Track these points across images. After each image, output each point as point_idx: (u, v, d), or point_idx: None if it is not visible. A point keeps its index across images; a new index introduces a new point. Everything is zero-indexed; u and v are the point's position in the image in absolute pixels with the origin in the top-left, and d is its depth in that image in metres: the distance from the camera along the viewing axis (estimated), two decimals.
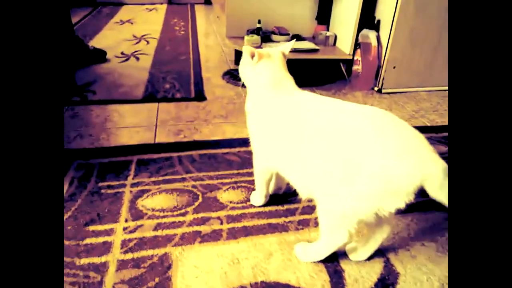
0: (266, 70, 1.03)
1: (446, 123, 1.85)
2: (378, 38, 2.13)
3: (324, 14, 2.45)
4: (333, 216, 0.89)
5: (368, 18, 2.16)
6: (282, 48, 1.08)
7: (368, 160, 0.79)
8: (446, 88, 2.29)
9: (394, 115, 0.86)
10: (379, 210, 0.83)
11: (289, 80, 1.04)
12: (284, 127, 0.96)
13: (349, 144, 0.82)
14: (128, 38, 2.93)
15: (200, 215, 1.14)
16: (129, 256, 0.99)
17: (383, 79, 2.16)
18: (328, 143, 0.86)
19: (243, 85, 1.12)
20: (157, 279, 0.92)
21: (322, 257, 0.98)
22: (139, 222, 1.10)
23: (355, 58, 2.23)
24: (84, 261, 0.97)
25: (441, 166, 0.77)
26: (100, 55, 2.41)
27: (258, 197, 1.18)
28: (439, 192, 0.77)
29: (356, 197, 0.83)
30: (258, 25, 2.33)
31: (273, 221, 1.13)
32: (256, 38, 2.26)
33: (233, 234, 1.07)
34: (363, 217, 0.85)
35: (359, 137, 0.82)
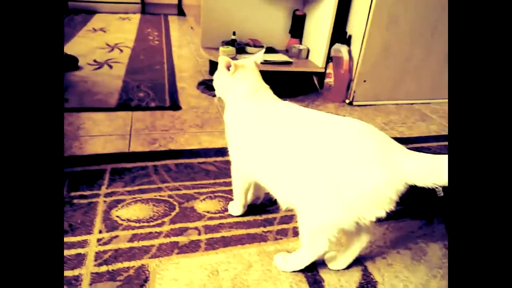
0: (243, 80, 1.03)
1: (415, 135, 1.93)
2: (349, 52, 2.20)
3: (297, 28, 2.51)
4: (314, 225, 0.90)
5: (340, 33, 2.23)
6: (254, 57, 1.10)
7: (348, 169, 0.81)
8: (414, 101, 2.39)
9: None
10: (360, 219, 0.85)
11: (267, 89, 1.05)
12: (264, 137, 0.96)
13: (329, 154, 0.84)
14: (101, 46, 2.86)
15: (177, 225, 1.12)
16: (103, 268, 0.95)
17: (354, 92, 2.23)
18: (308, 153, 0.87)
19: (215, 95, 1.13)
20: None
21: (302, 267, 0.98)
22: (114, 233, 1.06)
23: (327, 71, 2.29)
24: None
25: (424, 157, 0.80)
26: (72, 62, 2.35)
27: (236, 207, 1.17)
28: (429, 178, 0.78)
29: (337, 206, 0.84)
30: (233, 37, 2.35)
31: (252, 231, 1.13)
32: (231, 49, 2.27)
33: (212, 245, 1.06)
34: (344, 226, 0.87)
35: (339, 146, 0.84)
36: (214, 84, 1.11)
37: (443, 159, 0.78)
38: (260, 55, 1.11)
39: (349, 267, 1.02)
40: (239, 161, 1.08)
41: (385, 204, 0.82)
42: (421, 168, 0.79)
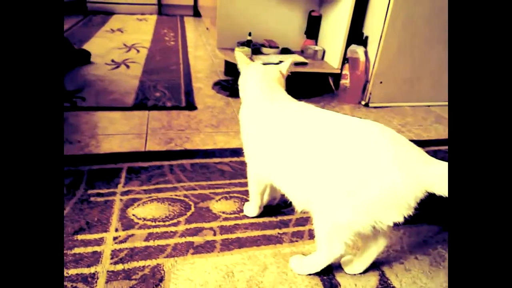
0: (255, 75, 1.07)
1: (432, 138, 1.89)
2: (366, 53, 2.17)
3: (313, 29, 2.49)
4: (330, 228, 0.88)
5: (356, 34, 2.21)
6: (280, 66, 1.11)
7: (367, 172, 0.80)
8: (430, 103, 2.35)
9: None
10: (377, 222, 0.83)
11: (281, 89, 1.06)
12: (279, 138, 0.96)
13: (348, 156, 0.82)
14: (118, 47, 2.91)
15: (193, 225, 1.12)
16: (119, 267, 0.95)
17: (370, 93, 2.20)
18: (325, 154, 0.86)
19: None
20: None
21: (318, 270, 0.97)
22: (130, 232, 1.07)
23: (343, 73, 2.26)
24: (72, 271, 0.93)
25: (445, 166, 0.78)
26: (84, 56, 2.44)
27: (252, 208, 1.16)
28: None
29: (354, 209, 0.83)
30: (248, 38, 2.35)
31: (267, 232, 1.12)
32: (247, 50, 2.27)
33: (227, 246, 1.06)
34: (360, 229, 0.85)
35: (358, 149, 0.82)
36: (239, 85, 1.13)
37: None
38: (286, 65, 1.11)
39: (366, 271, 1.00)
40: (254, 161, 1.07)
41: (403, 209, 0.80)
42: (441, 177, 0.77)
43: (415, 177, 0.78)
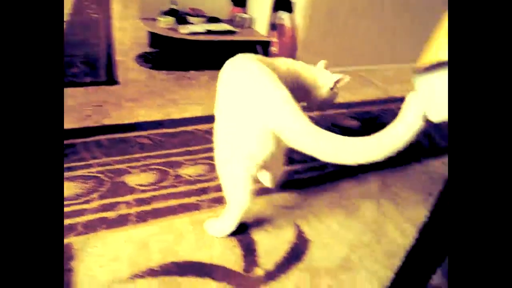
0: None
1: (357, 100, 1.96)
2: (293, 20, 2.17)
3: None
4: (231, 178, 0.93)
5: (283, 0, 2.18)
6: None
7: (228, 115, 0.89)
8: (358, 67, 2.42)
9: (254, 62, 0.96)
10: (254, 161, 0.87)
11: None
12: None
13: (224, 102, 0.92)
14: None
15: (107, 201, 1.07)
16: None
17: (299, 59, 2.21)
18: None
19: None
20: None
21: (233, 227, 0.97)
22: None
23: (272, 40, 2.25)
24: None
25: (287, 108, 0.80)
26: None
27: None
28: (292, 142, 0.79)
29: (236, 153, 0.89)
30: (172, 6, 2.25)
31: (186, 201, 1.10)
32: (170, 19, 2.18)
33: (142, 218, 1.03)
34: (251, 172, 0.89)
35: (228, 94, 0.91)
36: None
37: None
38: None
39: (281, 226, 1.02)
40: None
41: (260, 146, 0.84)
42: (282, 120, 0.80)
43: (261, 117, 0.81)
